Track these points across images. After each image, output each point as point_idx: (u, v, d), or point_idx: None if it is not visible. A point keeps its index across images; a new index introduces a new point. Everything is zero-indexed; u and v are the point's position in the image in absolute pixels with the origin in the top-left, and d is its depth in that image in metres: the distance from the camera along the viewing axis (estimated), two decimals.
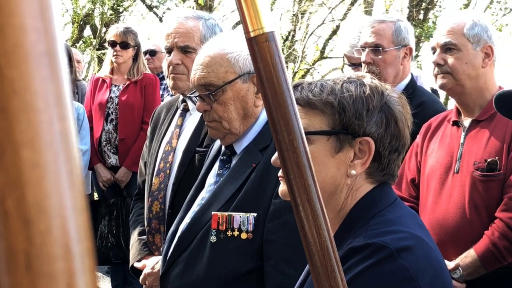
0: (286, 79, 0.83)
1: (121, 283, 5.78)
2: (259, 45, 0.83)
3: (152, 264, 3.11)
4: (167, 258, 2.45)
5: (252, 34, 0.84)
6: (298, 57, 17.00)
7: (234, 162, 2.47)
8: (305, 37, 17.42)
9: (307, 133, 1.66)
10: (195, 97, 2.54)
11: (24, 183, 0.38)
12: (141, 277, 3.12)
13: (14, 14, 0.38)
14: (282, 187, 1.70)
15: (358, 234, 1.60)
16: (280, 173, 1.74)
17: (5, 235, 0.37)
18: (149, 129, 3.48)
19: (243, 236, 2.26)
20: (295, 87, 1.73)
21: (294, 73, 16.83)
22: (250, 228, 2.26)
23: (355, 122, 1.64)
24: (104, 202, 5.46)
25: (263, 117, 2.46)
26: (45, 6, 0.40)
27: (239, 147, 2.47)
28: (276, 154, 1.69)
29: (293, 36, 17.42)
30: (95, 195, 6.64)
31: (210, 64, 2.43)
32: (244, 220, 2.27)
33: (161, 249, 2.82)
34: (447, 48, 3.13)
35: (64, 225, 0.38)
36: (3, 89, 0.38)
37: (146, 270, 3.11)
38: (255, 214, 2.26)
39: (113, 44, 5.74)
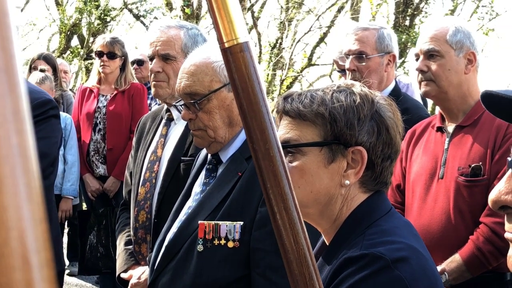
0: (261, 88, 0.84)
1: None
2: (233, 55, 0.84)
3: (139, 274, 3.11)
4: (155, 267, 2.45)
5: (226, 45, 0.85)
6: (286, 64, 17.04)
7: (220, 171, 2.47)
8: (292, 45, 17.47)
9: (299, 145, 1.67)
10: (180, 105, 2.55)
11: None
12: (128, 287, 3.12)
13: None
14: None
15: (353, 244, 1.60)
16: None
17: None
18: (134, 139, 3.49)
19: (230, 244, 2.27)
20: (285, 98, 1.74)
21: (282, 81, 16.86)
22: (237, 236, 2.26)
23: (346, 132, 1.65)
24: (93, 212, 5.45)
25: None
26: (2, 23, 0.41)
27: (225, 156, 2.48)
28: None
29: (281, 43, 17.46)
30: (84, 205, 6.62)
31: (195, 72, 2.45)
32: (230, 228, 2.27)
33: (147, 258, 2.82)
34: (430, 54, 3.15)
35: (21, 236, 0.39)
36: None
37: (133, 281, 3.11)
38: (241, 223, 2.26)
39: (100, 54, 5.74)
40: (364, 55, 3.74)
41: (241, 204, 2.30)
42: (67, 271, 6.56)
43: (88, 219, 5.35)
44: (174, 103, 2.89)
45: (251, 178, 2.32)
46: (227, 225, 2.28)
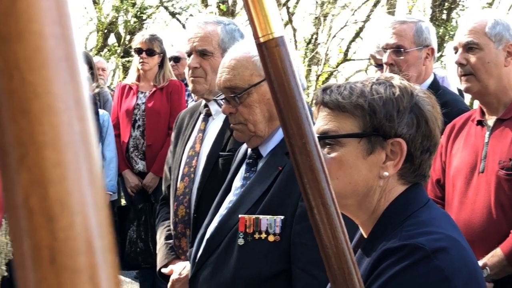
0: (297, 83, 0.84)
1: None
2: (269, 50, 0.84)
3: (179, 270, 3.14)
4: (196, 261, 2.47)
5: (261, 40, 0.85)
6: (321, 60, 16.97)
7: (260, 165, 2.49)
8: (328, 40, 17.39)
9: (338, 136, 1.68)
10: (221, 100, 2.57)
11: (47, 182, 0.39)
12: (169, 284, 3.14)
13: (34, 21, 0.40)
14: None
15: (392, 235, 1.60)
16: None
17: (30, 231, 0.39)
18: (173, 135, 3.52)
19: (271, 238, 2.28)
20: (324, 90, 1.74)
21: (318, 76, 16.79)
22: (277, 230, 2.27)
23: (386, 124, 1.65)
24: (132, 207, 5.51)
25: None
26: (63, 12, 0.42)
27: (264, 150, 2.49)
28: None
29: (316, 39, 17.38)
30: (123, 201, 6.69)
31: (236, 67, 2.46)
32: (271, 222, 2.28)
33: (187, 253, 2.84)
34: (469, 47, 3.12)
35: (85, 221, 0.40)
36: (25, 92, 0.40)
37: (174, 276, 3.13)
38: (282, 217, 2.27)
39: (139, 51, 5.79)
40: (402, 49, 3.71)
41: (281, 198, 2.31)
42: None
43: (128, 214, 5.41)
44: (214, 98, 2.91)
45: (291, 172, 2.32)
46: (267, 219, 2.29)
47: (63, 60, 0.41)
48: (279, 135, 2.47)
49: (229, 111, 2.49)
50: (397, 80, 1.72)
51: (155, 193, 5.70)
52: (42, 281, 0.38)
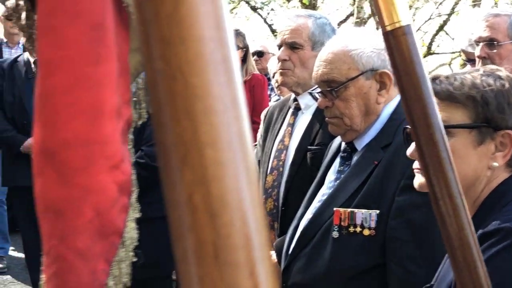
0: (424, 72, 0.83)
1: None
2: (396, 39, 0.83)
3: None
4: (289, 253, 2.49)
5: (388, 28, 0.84)
6: None
7: (355, 159, 2.48)
8: None
9: (448, 126, 1.68)
10: (317, 93, 2.57)
11: (208, 180, 0.41)
12: None
13: (194, 26, 0.42)
14: (419, 180, 1.73)
15: (490, 221, 1.61)
16: (415, 165, 1.76)
17: (194, 227, 0.41)
18: (262, 128, 3.54)
19: (366, 232, 2.27)
20: (433, 80, 1.75)
21: None
22: (373, 225, 2.26)
23: (497, 116, 1.67)
24: None
25: (385, 114, 2.45)
26: (220, 16, 0.43)
27: (360, 144, 2.47)
28: (412, 147, 1.71)
29: None
30: None
31: (333, 60, 2.46)
32: (366, 216, 2.27)
33: (273, 244, 2.86)
34: None
35: (244, 217, 0.41)
36: (188, 94, 0.42)
37: None
38: (377, 211, 2.26)
39: None
40: (495, 42, 3.61)
41: (377, 192, 2.29)
42: None
43: None
44: (309, 91, 2.92)
45: (388, 167, 2.30)
46: (362, 213, 2.28)
47: (221, 62, 0.42)
48: (374, 129, 2.45)
49: (325, 105, 2.49)
50: (503, 72, 1.73)
51: None
52: (205, 276, 0.40)
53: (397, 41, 0.83)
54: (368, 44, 2.46)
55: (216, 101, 0.42)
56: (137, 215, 1.10)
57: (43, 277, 1.03)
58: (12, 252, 6.97)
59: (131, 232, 1.06)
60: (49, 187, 0.95)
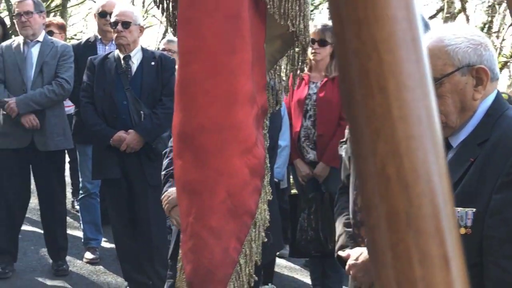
0: None
1: (319, 277, 5.89)
2: None
3: (356, 255, 3.16)
4: None
5: None
6: (496, 49, 16.30)
7: (449, 156, 2.44)
8: (502, 29, 16.66)
9: None
10: None
11: (401, 152, 0.43)
12: (346, 267, 3.17)
13: (388, 6, 0.44)
14: None
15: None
16: None
17: (387, 197, 0.43)
18: None
19: (462, 231, 2.24)
20: None
21: None
22: (469, 223, 2.23)
23: None
24: (303, 196, 5.60)
25: (482, 110, 2.41)
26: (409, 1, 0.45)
27: (455, 141, 2.44)
28: None
29: (490, 27, 16.70)
30: (293, 190, 6.80)
31: (428, 56, 2.43)
32: (462, 215, 2.24)
33: (366, 240, 2.85)
34: None
35: (433, 189, 0.43)
36: (382, 71, 0.44)
37: (350, 261, 3.16)
38: (474, 209, 2.22)
39: (311, 41, 5.85)
40: None
41: (473, 190, 2.26)
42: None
43: (298, 203, 5.50)
44: None
45: (484, 164, 2.26)
46: (458, 211, 2.25)
47: (411, 41, 0.45)
48: (470, 126, 2.41)
49: None
50: None
51: (325, 182, 5.75)
52: (399, 243, 0.42)
53: None
54: (464, 39, 2.41)
55: (408, 78, 0.44)
56: (269, 197, 1.14)
57: (180, 252, 1.08)
58: (105, 244, 7.16)
59: (263, 214, 1.09)
60: (186, 169, 0.99)
